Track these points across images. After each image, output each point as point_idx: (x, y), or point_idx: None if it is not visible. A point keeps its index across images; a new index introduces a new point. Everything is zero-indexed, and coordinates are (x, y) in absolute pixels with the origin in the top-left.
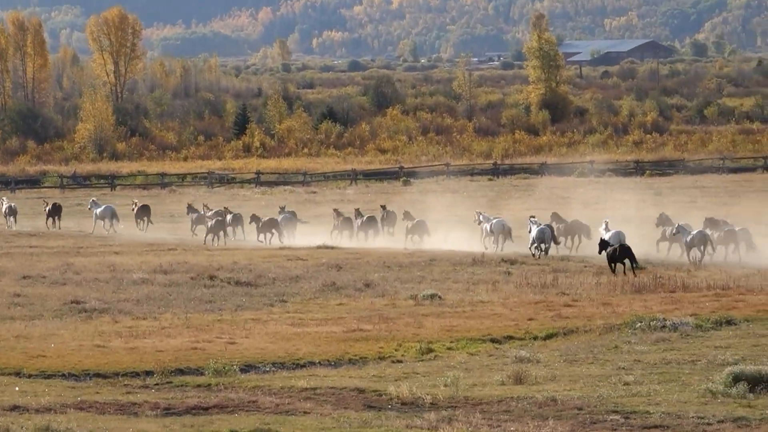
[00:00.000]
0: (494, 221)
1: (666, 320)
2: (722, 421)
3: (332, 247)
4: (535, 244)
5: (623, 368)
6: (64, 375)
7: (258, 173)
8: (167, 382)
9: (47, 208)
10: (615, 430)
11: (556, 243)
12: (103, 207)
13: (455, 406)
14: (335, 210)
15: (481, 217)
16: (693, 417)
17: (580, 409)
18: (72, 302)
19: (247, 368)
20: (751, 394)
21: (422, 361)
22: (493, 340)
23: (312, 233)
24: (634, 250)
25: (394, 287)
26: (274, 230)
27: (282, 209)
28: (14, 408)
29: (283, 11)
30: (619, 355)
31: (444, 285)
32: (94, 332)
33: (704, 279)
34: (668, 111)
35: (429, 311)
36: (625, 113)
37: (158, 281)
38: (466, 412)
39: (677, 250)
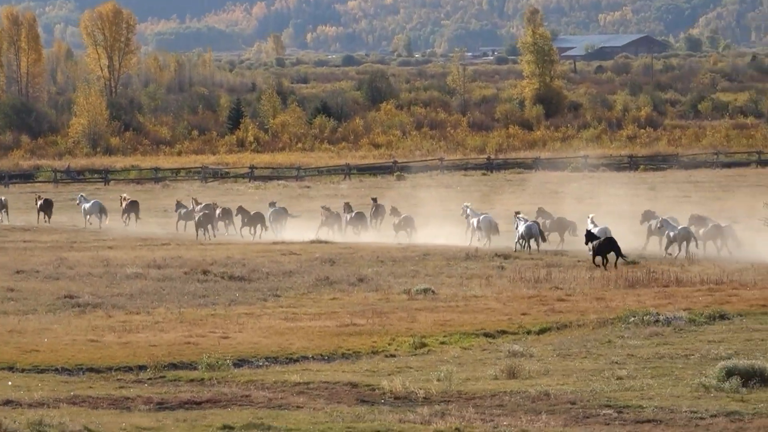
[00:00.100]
0: (482, 217)
1: (659, 315)
2: (715, 416)
3: (326, 242)
4: (522, 240)
5: (616, 363)
6: (57, 369)
7: (252, 168)
8: (160, 377)
9: (39, 204)
10: (608, 424)
11: (543, 240)
12: (91, 202)
13: (448, 401)
14: (323, 207)
15: (468, 210)
16: (686, 411)
17: (573, 403)
18: (65, 297)
19: (240, 363)
20: (744, 389)
21: (415, 355)
22: (486, 335)
23: (306, 227)
24: (627, 245)
25: (388, 282)
26: (260, 225)
27: (272, 204)
28: (7, 402)
29: (278, 6)
30: (612, 349)
31: (437, 279)
32: (88, 327)
33: (698, 274)
34: (662, 106)
35: (422, 306)
36: (619, 108)
37: (152, 276)
38: (459, 407)
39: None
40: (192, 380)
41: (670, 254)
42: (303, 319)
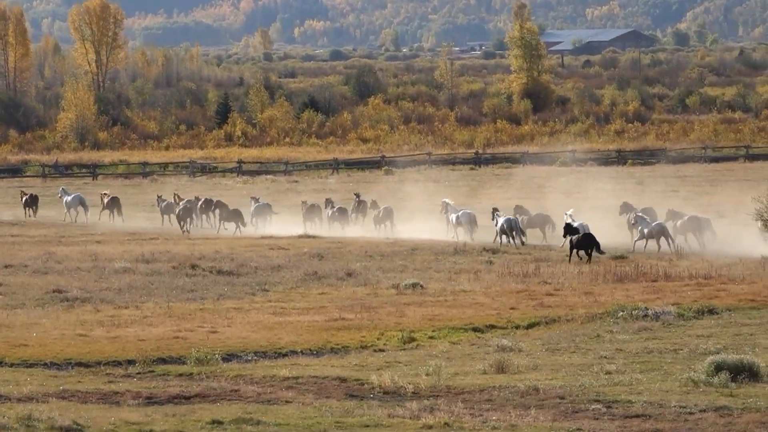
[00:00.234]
0: (461, 212)
1: (648, 309)
2: (704, 410)
3: (314, 237)
4: (504, 235)
5: (605, 357)
6: (46, 364)
7: (240, 162)
8: (149, 371)
9: (25, 199)
10: (597, 419)
11: (523, 234)
12: (72, 195)
13: (437, 396)
14: (303, 202)
15: (449, 207)
16: (675, 406)
17: (562, 398)
18: (54, 291)
19: (229, 357)
20: (733, 384)
21: (404, 350)
22: (475, 330)
23: (291, 222)
24: (613, 240)
25: (376, 276)
26: (238, 221)
27: (255, 199)
28: None
29: (265, 1)
30: (601, 344)
31: (426, 274)
32: (76, 321)
33: (686, 268)
34: (650, 100)
35: (411, 300)
36: (607, 102)
37: (140, 270)
38: (448, 401)
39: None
40: (181, 375)
41: (642, 248)
42: (292, 313)
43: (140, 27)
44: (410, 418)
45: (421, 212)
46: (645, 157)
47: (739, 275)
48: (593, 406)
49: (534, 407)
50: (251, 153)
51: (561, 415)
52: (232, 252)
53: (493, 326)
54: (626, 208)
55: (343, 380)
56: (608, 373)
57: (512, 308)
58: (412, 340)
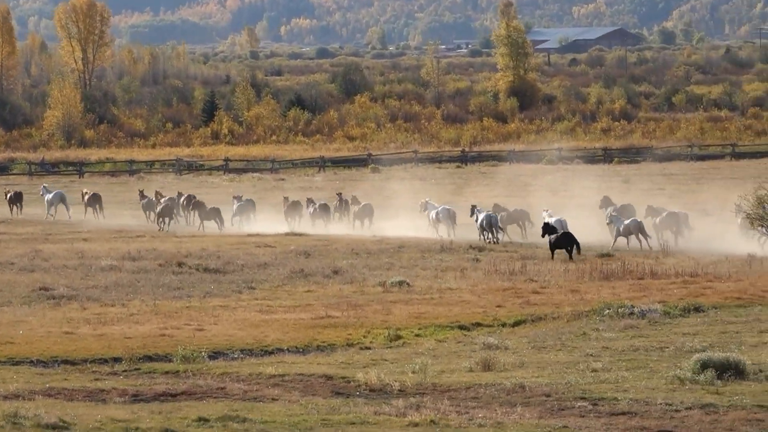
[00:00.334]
0: (440, 208)
1: (634, 307)
2: (690, 408)
3: (300, 234)
4: (484, 231)
5: (591, 355)
6: (32, 362)
7: (226, 160)
8: (135, 369)
9: (9, 196)
10: (583, 416)
11: (502, 231)
12: (53, 193)
13: (423, 393)
14: (285, 198)
15: (429, 205)
16: (661, 404)
17: (548, 395)
18: (40, 289)
19: (215, 355)
20: (719, 381)
21: (390, 347)
22: (461, 327)
23: (275, 220)
24: (597, 238)
25: (363, 274)
26: (216, 219)
27: (238, 197)
28: None
29: None
30: (587, 341)
31: (412, 272)
32: (63, 319)
33: (672, 266)
34: (636, 98)
35: (397, 298)
36: (593, 101)
37: (126, 268)
38: (434, 399)
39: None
40: (167, 372)
41: (621, 245)
42: (278, 311)
43: (127, 25)
44: (396, 415)
45: (407, 210)
46: (631, 155)
47: (726, 273)
48: (579, 404)
49: (520, 405)
50: (238, 151)
51: (547, 413)
52: (219, 250)
53: (479, 324)
54: (606, 202)
55: (329, 378)
56: (594, 370)
57: (498, 306)
58: (399, 337)
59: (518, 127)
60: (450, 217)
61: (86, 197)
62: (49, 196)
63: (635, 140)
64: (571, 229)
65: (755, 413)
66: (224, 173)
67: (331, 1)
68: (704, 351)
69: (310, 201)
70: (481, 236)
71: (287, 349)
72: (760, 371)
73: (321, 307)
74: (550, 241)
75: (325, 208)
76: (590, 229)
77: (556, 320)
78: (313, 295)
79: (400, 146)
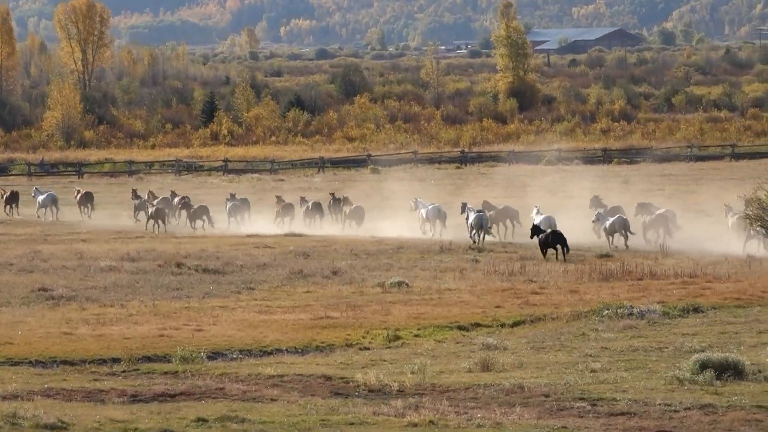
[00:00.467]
0: (430, 207)
1: (633, 308)
2: (689, 408)
3: (299, 235)
4: (474, 231)
5: (590, 355)
6: (31, 362)
7: (225, 161)
8: (134, 370)
9: (5, 196)
10: (582, 417)
11: (488, 233)
12: (45, 194)
13: (422, 394)
14: (278, 197)
15: (419, 203)
16: (660, 404)
17: (547, 396)
18: (39, 290)
19: (214, 355)
20: (718, 382)
21: (389, 348)
22: (460, 328)
23: (272, 221)
24: (595, 239)
25: (362, 275)
26: (204, 217)
27: (232, 197)
28: None
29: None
30: (586, 342)
31: (411, 273)
32: (62, 319)
33: (672, 267)
34: (636, 99)
35: (396, 299)
36: (593, 101)
37: (125, 269)
38: (433, 399)
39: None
40: (166, 373)
41: (613, 244)
42: (277, 312)
43: (126, 26)
44: (395, 416)
45: (405, 210)
46: (631, 155)
47: (725, 273)
48: (578, 404)
49: (519, 405)
50: (237, 152)
51: (546, 413)
52: (218, 250)
53: (478, 324)
54: (595, 202)
55: (328, 378)
56: (593, 371)
57: (497, 306)
58: (398, 338)
59: (518, 127)
60: (439, 216)
61: (78, 196)
62: (40, 198)
63: (635, 141)
64: (571, 230)
65: (754, 414)
66: (223, 174)
67: (331, 1)
68: (703, 351)
69: (303, 199)
70: (471, 235)
71: (286, 350)
72: (759, 372)
73: (320, 308)
74: (540, 241)
75: (317, 206)
76: (589, 230)
77: (555, 321)
78: (312, 295)
79: (400, 147)
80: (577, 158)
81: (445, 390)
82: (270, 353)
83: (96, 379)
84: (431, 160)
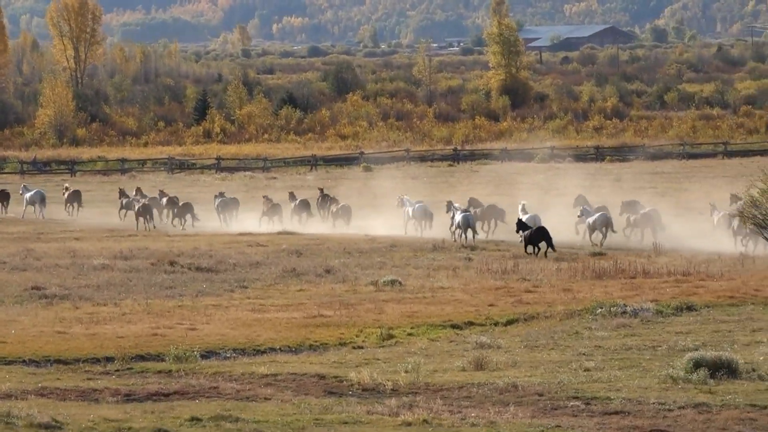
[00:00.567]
0: (416, 206)
1: (626, 306)
2: (683, 407)
3: (292, 233)
4: (459, 230)
5: (584, 354)
6: (24, 361)
7: (218, 159)
8: (128, 369)
9: None
10: (576, 416)
11: (474, 232)
12: (32, 192)
13: (416, 392)
14: (265, 196)
15: (405, 201)
16: (654, 403)
17: (541, 395)
18: (32, 288)
19: (207, 354)
20: (712, 380)
21: (383, 347)
22: (453, 326)
23: (271, 220)
24: (586, 237)
25: (355, 273)
26: (188, 215)
27: (221, 194)
28: None
29: None
30: (579, 341)
31: (404, 271)
32: (55, 318)
33: (665, 265)
34: (628, 97)
35: (390, 297)
36: (586, 99)
37: (119, 267)
38: (427, 398)
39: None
40: (159, 372)
41: (595, 240)
42: (270, 310)
43: (118, 23)
44: (389, 415)
45: (396, 208)
46: (623, 153)
47: (718, 272)
48: (572, 403)
49: (513, 404)
50: (229, 149)
51: (540, 412)
52: (211, 249)
53: (471, 323)
54: (580, 200)
55: (321, 377)
56: (587, 370)
57: (491, 305)
58: (391, 337)
59: (510, 125)
60: (425, 215)
61: (66, 193)
62: (27, 196)
63: (627, 138)
64: (563, 228)
65: (748, 412)
66: (216, 172)
67: None
68: (697, 350)
69: (291, 195)
70: (454, 235)
71: (280, 349)
72: (753, 370)
73: (313, 306)
74: (524, 237)
75: (304, 204)
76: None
77: (548, 319)
78: (305, 294)
79: (392, 145)
80: (569, 156)
81: (439, 389)
82: (263, 352)
83: (90, 378)
84: (423, 158)
